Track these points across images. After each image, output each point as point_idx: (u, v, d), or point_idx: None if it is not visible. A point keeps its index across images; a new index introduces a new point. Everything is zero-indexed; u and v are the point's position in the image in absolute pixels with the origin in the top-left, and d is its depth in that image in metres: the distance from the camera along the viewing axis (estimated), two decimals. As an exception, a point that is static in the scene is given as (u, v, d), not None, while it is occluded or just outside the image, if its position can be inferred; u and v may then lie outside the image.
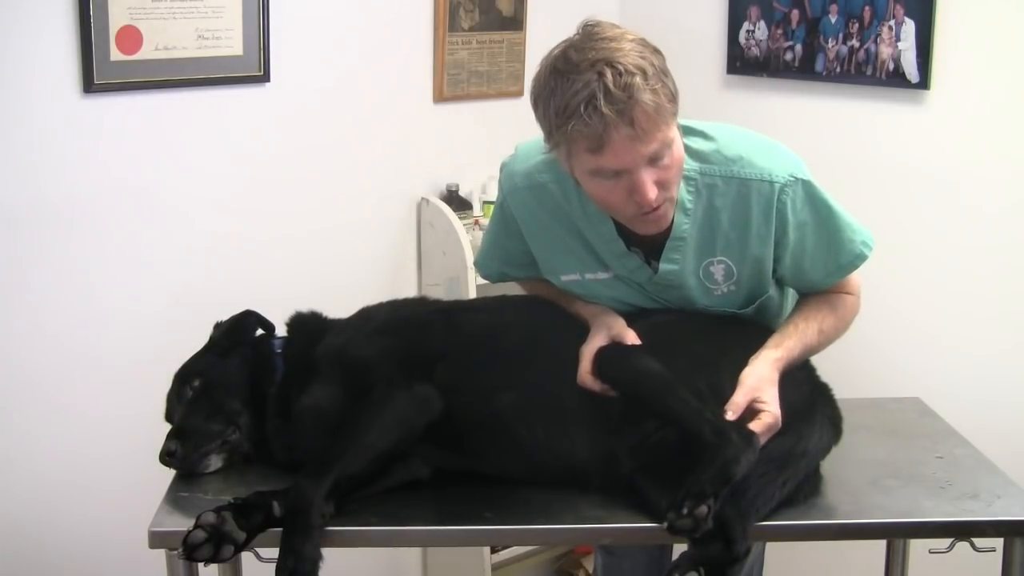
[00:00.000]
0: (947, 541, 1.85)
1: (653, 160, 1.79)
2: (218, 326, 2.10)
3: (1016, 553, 1.85)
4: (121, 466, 2.61)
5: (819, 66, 3.04)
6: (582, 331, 1.98)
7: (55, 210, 2.51)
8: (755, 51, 3.17)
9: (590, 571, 3.29)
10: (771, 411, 1.81)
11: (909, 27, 2.83)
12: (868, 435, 2.13)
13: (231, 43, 2.71)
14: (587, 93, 1.71)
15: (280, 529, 1.73)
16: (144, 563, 2.04)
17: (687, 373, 1.86)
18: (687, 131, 1.93)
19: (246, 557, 1.81)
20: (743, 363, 1.89)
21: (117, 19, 2.50)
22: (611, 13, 3.33)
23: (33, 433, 2.54)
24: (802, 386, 1.96)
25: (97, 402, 2.62)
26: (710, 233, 1.95)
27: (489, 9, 3.21)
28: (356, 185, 3.04)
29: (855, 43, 2.95)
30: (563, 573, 3.54)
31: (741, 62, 3.21)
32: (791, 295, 2.11)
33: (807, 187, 1.93)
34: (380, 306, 2.15)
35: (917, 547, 2.26)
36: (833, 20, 2.99)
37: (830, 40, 3.00)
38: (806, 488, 1.87)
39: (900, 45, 2.86)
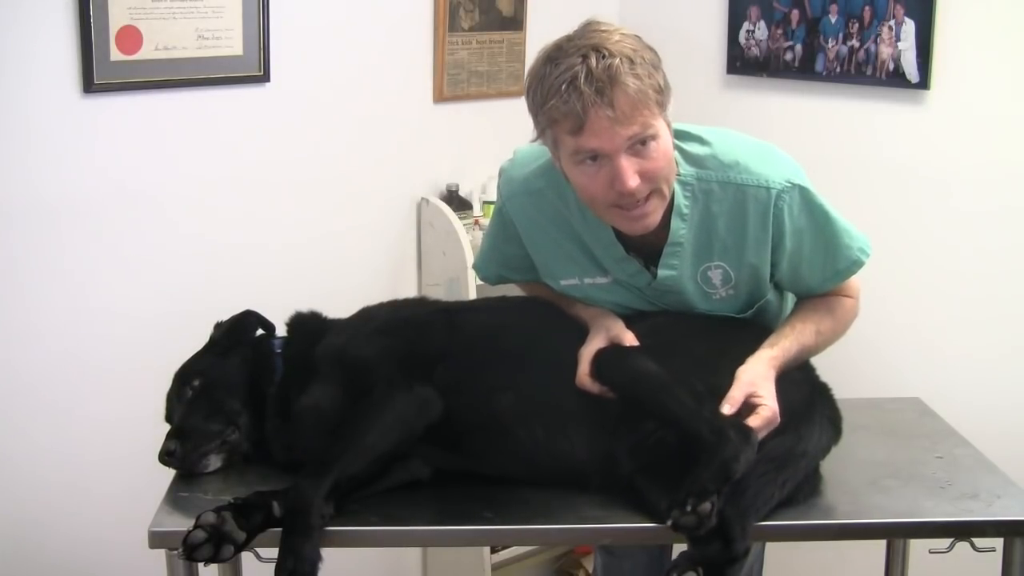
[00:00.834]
0: (947, 541, 1.85)
1: (634, 147, 1.79)
2: (218, 326, 2.10)
3: (1016, 553, 1.85)
4: (121, 466, 2.61)
5: (819, 66, 3.04)
6: (581, 333, 1.98)
7: (54, 210, 2.51)
8: (755, 51, 3.17)
9: (590, 571, 3.29)
10: (768, 405, 1.81)
11: (909, 27, 2.83)
12: (868, 435, 2.13)
13: (231, 43, 2.71)
14: (570, 75, 1.74)
15: (280, 529, 1.73)
16: (144, 563, 2.04)
17: (685, 374, 1.85)
18: (684, 136, 1.94)
19: (246, 557, 1.81)
20: (741, 364, 1.89)
21: (117, 19, 2.50)
22: (611, 13, 3.34)
23: (32, 433, 2.54)
24: (802, 386, 1.96)
25: (97, 402, 2.62)
26: (707, 238, 1.95)
27: (489, 9, 3.21)
28: (356, 185, 3.04)
29: (855, 43, 2.95)
30: (563, 573, 3.54)
31: (741, 62, 3.21)
32: (790, 298, 2.11)
33: (804, 193, 1.92)
34: (380, 306, 2.15)
35: (917, 547, 2.26)
36: (833, 20, 2.99)
37: (830, 40, 3.00)
38: (806, 488, 1.87)
39: (900, 45, 2.86)
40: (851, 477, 1.96)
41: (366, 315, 2.12)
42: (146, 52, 2.56)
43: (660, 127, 1.82)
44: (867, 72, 2.94)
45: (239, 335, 2.08)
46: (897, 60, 2.87)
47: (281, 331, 2.11)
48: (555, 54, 1.79)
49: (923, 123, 2.88)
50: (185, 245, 2.73)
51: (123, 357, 2.64)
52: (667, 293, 2.01)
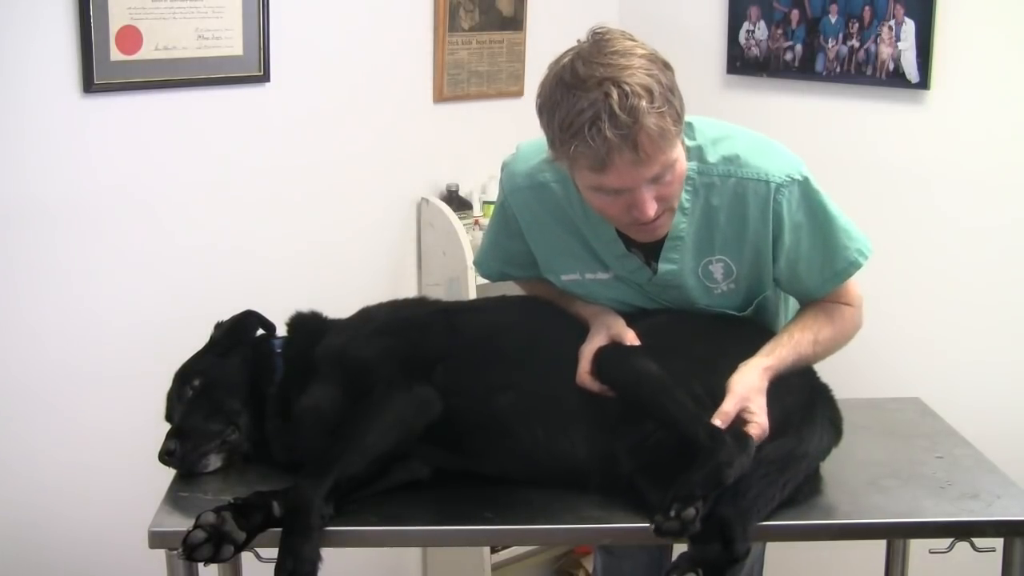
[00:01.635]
0: (947, 541, 1.85)
1: (655, 180, 1.79)
2: (219, 326, 2.10)
3: (1016, 553, 1.85)
4: (120, 466, 2.61)
5: (819, 66, 3.04)
6: (582, 331, 1.98)
7: (54, 210, 2.51)
8: (755, 51, 3.17)
9: (590, 571, 3.29)
10: (758, 422, 1.81)
11: (909, 27, 2.83)
12: (868, 435, 2.13)
13: (231, 43, 2.71)
14: (592, 113, 1.70)
15: (280, 529, 1.73)
16: (144, 563, 2.04)
17: (686, 374, 1.86)
18: (685, 129, 1.93)
19: (246, 557, 1.81)
20: (740, 363, 1.89)
21: (117, 19, 2.50)
22: (611, 13, 3.34)
23: (31, 434, 2.54)
24: (802, 388, 1.96)
25: (97, 401, 2.62)
26: (708, 232, 1.95)
27: (489, 9, 3.21)
28: (356, 185, 3.04)
29: (855, 43, 2.95)
30: (563, 573, 3.54)
31: (741, 62, 3.21)
32: (790, 298, 2.11)
33: (804, 188, 1.92)
34: (380, 306, 2.15)
35: (917, 547, 2.26)
36: (833, 20, 2.99)
37: (830, 40, 3.00)
38: (806, 489, 1.87)
39: (900, 45, 2.86)
40: (851, 477, 1.96)
41: (366, 315, 2.12)
42: (146, 52, 2.56)
43: (678, 153, 1.82)
44: (867, 72, 2.94)
45: (239, 335, 2.08)
46: (897, 60, 2.87)
47: (281, 331, 2.11)
48: (572, 80, 1.74)
49: (923, 123, 2.88)
50: (185, 244, 2.73)
51: (123, 357, 2.64)
52: (668, 288, 2.01)
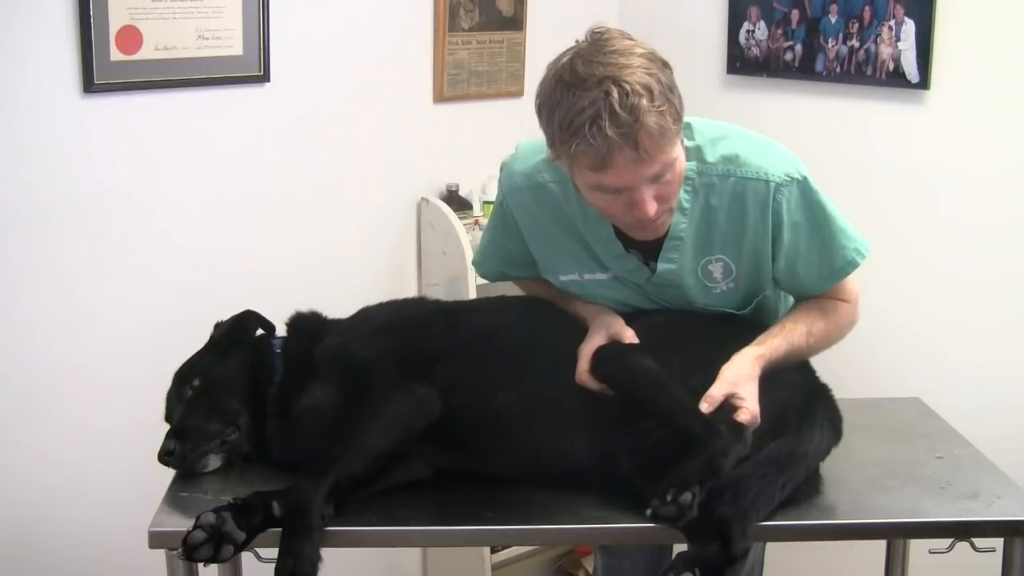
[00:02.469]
0: (947, 541, 1.85)
1: (655, 179, 1.79)
2: (218, 326, 2.10)
3: (1016, 553, 1.85)
4: (120, 466, 2.60)
5: (819, 66, 3.03)
6: (581, 331, 1.99)
7: (54, 210, 2.50)
8: (755, 51, 3.17)
9: (590, 571, 3.29)
10: (748, 407, 1.81)
11: (909, 27, 2.83)
12: (868, 435, 2.13)
13: (231, 43, 2.71)
14: (592, 112, 1.70)
15: (280, 529, 1.73)
16: (144, 563, 2.04)
17: (684, 373, 1.86)
18: (685, 129, 1.93)
19: (246, 557, 1.81)
20: (736, 362, 1.89)
21: (117, 19, 2.50)
22: (611, 13, 3.33)
23: (30, 434, 2.53)
24: (802, 387, 1.96)
25: (96, 401, 2.61)
26: (707, 231, 1.95)
27: (489, 9, 3.21)
28: (356, 185, 3.04)
29: (855, 43, 2.95)
30: (563, 573, 3.54)
31: (741, 62, 3.21)
32: (789, 297, 2.11)
33: (803, 188, 1.93)
34: (380, 306, 2.15)
35: (917, 547, 2.26)
36: (833, 20, 2.99)
37: (830, 40, 3.00)
38: (806, 488, 1.87)
39: (900, 45, 2.86)
40: (851, 477, 1.96)
41: (366, 315, 2.12)
42: (146, 52, 2.56)
43: (677, 152, 1.82)
44: (867, 72, 2.94)
45: (239, 335, 2.08)
46: (897, 60, 2.87)
47: (281, 331, 2.11)
48: (571, 79, 1.74)
49: (923, 123, 2.88)
50: (185, 245, 2.73)
51: (123, 357, 2.63)
52: (667, 288, 2.01)
